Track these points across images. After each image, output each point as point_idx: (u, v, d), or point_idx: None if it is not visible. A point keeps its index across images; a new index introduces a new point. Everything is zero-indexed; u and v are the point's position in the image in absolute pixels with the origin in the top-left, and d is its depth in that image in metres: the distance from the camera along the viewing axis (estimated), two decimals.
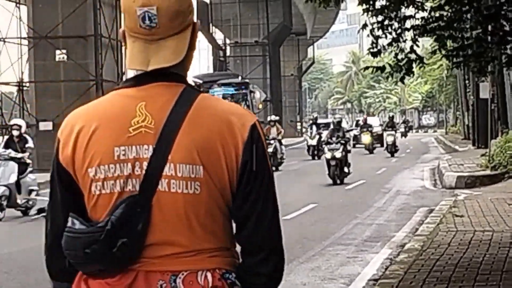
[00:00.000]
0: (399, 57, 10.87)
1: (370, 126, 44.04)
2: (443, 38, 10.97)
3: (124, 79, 36.93)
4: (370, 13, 10.70)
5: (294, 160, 33.74)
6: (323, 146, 23.42)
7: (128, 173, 2.23)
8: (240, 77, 36.54)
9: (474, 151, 32.48)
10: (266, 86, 56.56)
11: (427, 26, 10.76)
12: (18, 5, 32.91)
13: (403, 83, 11.84)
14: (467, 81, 42.44)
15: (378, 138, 44.65)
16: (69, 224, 2.25)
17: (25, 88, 33.35)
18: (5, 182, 15.71)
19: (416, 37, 10.84)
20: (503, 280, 7.95)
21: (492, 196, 16.58)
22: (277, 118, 33.52)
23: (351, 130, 39.28)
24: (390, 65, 11.01)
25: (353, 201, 18.06)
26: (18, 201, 16.10)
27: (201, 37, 48.54)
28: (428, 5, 11.36)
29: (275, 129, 31.31)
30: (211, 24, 54.55)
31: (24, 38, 32.76)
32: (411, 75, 11.19)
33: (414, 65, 10.89)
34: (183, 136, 2.22)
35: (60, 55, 31.31)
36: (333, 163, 22.26)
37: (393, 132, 38.53)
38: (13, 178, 15.84)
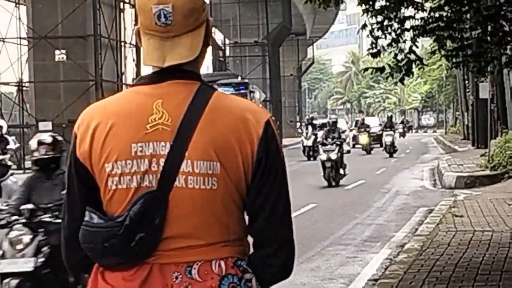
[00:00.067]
0: (399, 57, 10.86)
1: (368, 126, 43.67)
2: (443, 39, 10.97)
3: (123, 79, 37.01)
4: (369, 13, 10.70)
5: (293, 161, 33.72)
6: (318, 147, 22.68)
7: (145, 169, 2.28)
8: (239, 77, 36.57)
9: (474, 151, 32.47)
10: (265, 86, 56.56)
11: (426, 26, 10.76)
12: (17, 5, 32.92)
13: (402, 84, 11.84)
14: (466, 81, 42.44)
15: (378, 139, 44.37)
16: (86, 218, 2.30)
17: (24, 88, 33.35)
18: None
19: (415, 37, 10.84)
20: (502, 280, 7.95)
21: (492, 196, 16.58)
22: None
23: (346, 131, 39.14)
24: (389, 66, 11.01)
25: (352, 201, 18.05)
26: None
27: None
28: (427, 5, 11.36)
29: None
30: None
31: (24, 38, 32.78)
32: (411, 75, 11.19)
33: (413, 65, 10.89)
34: (200, 133, 2.28)
35: (60, 55, 31.32)
36: (328, 164, 21.62)
37: (391, 133, 38.01)
38: None
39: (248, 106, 2.37)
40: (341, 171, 22.16)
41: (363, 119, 47.52)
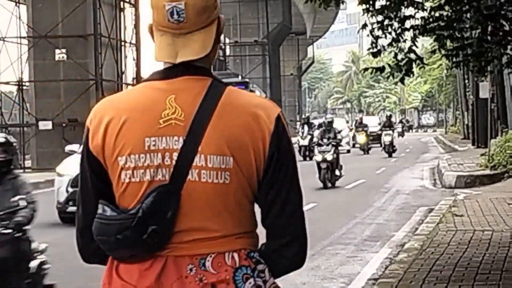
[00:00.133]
0: (399, 57, 10.86)
1: (366, 126, 43.31)
2: (443, 38, 10.97)
3: (123, 78, 36.99)
4: (370, 13, 10.69)
5: None
6: (314, 147, 22.03)
7: (158, 163, 2.31)
8: (239, 77, 36.54)
9: (474, 150, 32.48)
10: (265, 86, 56.60)
11: (427, 26, 10.76)
12: (17, 4, 32.91)
13: (403, 83, 11.83)
14: (466, 81, 42.45)
15: (377, 138, 44.15)
16: (99, 211, 2.33)
17: (24, 87, 33.34)
18: None
19: (416, 37, 10.83)
20: (502, 280, 7.95)
21: (492, 195, 16.58)
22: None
23: (344, 130, 38.93)
24: (389, 65, 11.01)
25: (352, 200, 18.06)
26: None
27: None
28: (428, 5, 11.36)
29: None
30: None
31: (24, 38, 32.76)
32: (411, 75, 11.19)
33: (414, 65, 10.89)
34: (213, 128, 2.31)
35: (60, 54, 31.31)
36: (323, 166, 20.97)
37: (390, 132, 37.58)
38: None
39: (259, 102, 2.41)
40: (337, 172, 21.60)
41: (360, 118, 47.30)
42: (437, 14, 10.87)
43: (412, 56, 10.88)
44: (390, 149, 37.16)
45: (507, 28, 11.00)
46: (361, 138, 42.45)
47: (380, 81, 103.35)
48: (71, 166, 14.45)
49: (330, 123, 22.70)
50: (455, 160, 26.99)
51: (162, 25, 2.37)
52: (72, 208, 14.20)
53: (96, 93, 30.73)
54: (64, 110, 30.82)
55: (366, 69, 11.43)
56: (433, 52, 13.17)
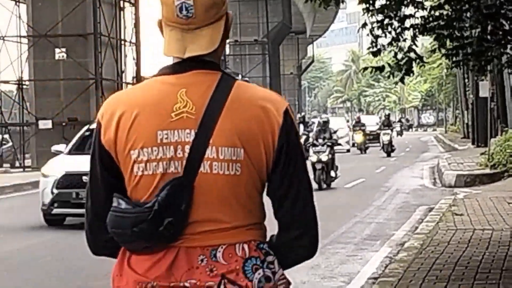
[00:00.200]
0: (399, 56, 10.86)
1: (363, 125, 43.06)
2: (443, 37, 10.96)
3: (123, 77, 36.93)
4: (370, 12, 10.69)
5: None
6: (309, 147, 21.41)
7: (171, 155, 2.35)
8: (239, 76, 36.53)
9: (474, 149, 32.49)
10: (265, 85, 56.52)
11: (426, 25, 10.76)
12: (17, 3, 32.89)
13: (403, 83, 11.82)
14: (466, 80, 42.46)
15: (376, 137, 43.96)
16: (114, 204, 2.36)
17: (24, 86, 33.33)
18: None
19: (416, 36, 10.83)
20: (502, 279, 7.95)
21: (492, 194, 16.59)
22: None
23: (343, 129, 38.78)
24: (389, 64, 11.00)
25: (352, 199, 18.07)
26: None
27: None
28: (428, 4, 11.36)
29: None
30: None
31: (24, 37, 32.74)
32: (411, 74, 11.19)
33: (414, 64, 10.88)
34: (224, 121, 2.35)
35: (60, 53, 31.30)
36: (318, 166, 20.53)
37: (389, 131, 37.36)
38: None
39: (268, 95, 2.46)
40: (332, 173, 21.19)
41: (358, 118, 47.04)
42: (437, 13, 10.87)
43: (412, 55, 10.87)
44: (388, 149, 36.99)
45: (507, 27, 11.00)
46: (358, 137, 42.24)
47: (380, 80, 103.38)
48: (56, 167, 14.25)
49: (326, 123, 22.26)
50: (455, 159, 27.00)
51: (171, 20, 2.40)
52: (57, 210, 13.89)
53: (96, 92, 30.74)
54: (64, 109, 30.82)
55: (366, 68, 11.42)
56: (433, 51, 13.17)
